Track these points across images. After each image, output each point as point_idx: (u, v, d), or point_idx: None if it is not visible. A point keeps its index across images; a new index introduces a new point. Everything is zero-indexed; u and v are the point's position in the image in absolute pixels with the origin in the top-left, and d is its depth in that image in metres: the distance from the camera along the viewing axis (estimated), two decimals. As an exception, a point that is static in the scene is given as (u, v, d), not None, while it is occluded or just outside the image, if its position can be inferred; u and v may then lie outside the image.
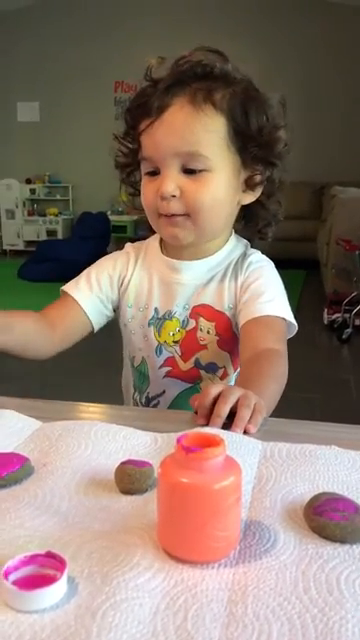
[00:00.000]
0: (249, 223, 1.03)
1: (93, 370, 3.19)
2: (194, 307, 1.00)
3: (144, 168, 0.93)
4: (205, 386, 1.01)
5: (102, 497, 0.56)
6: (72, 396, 0.84)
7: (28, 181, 7.91)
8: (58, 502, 0.54)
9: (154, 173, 0.91)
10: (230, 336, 1.00)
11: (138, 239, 1.11)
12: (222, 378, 1.02)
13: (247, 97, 0.89)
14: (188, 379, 1.01)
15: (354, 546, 0.47)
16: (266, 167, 0.93)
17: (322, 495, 0.52)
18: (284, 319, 0.94)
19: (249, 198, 0.96)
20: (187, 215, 0.90)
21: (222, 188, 0.90)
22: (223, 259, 1.01)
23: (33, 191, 7.92)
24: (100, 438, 0.67)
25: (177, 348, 1.01)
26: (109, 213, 7.10)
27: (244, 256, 1.02)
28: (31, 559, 0.44)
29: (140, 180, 0.97)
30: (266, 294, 0.95)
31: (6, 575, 0.42)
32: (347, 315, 4.06)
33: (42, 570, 0.44)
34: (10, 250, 7.80)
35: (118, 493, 0.56)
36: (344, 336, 3.92)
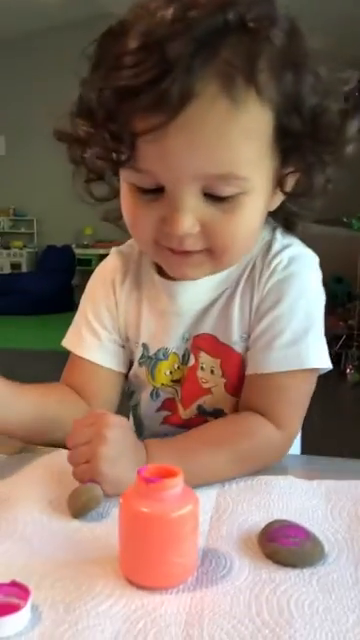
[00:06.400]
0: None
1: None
2: (194, 337, 0.76)
3: (136, 180, 0.62)
4: None
5: (64, 523, 0.57)
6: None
7: (-8, 214, 7.92)
8: (22, 528, 0.56)
9: (154, 190, 0.62)
10: (241, 377, 0.75)
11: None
12: None
13: (298, 62, 0.58)
14: (191, 427, 0.73)
15: (304, 570, 0.50)
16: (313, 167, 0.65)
17: (275, 522, 0.55)
18: (310, 369, 0.70)
19: (278, 200, 0.69)
20: (208, 250, 0.65)
21: (259, 211, 0.65)
22: (235, 267, 0.74)
23: (-3, 224, 7.93)
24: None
25: (178, 389, 0.79)
26: (74, 246, 7.13)
27: (268, 250, 0.73)
28: (-4, 588, 0.46)
29: (117, 182, 0.68)
30: (287, 333, 0.70)
31: (-29, 605, 0.44)
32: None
33: (6, 599, 0.45)
34: (-27, 283, 7.74)
35: (76, 520, 0.58)
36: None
